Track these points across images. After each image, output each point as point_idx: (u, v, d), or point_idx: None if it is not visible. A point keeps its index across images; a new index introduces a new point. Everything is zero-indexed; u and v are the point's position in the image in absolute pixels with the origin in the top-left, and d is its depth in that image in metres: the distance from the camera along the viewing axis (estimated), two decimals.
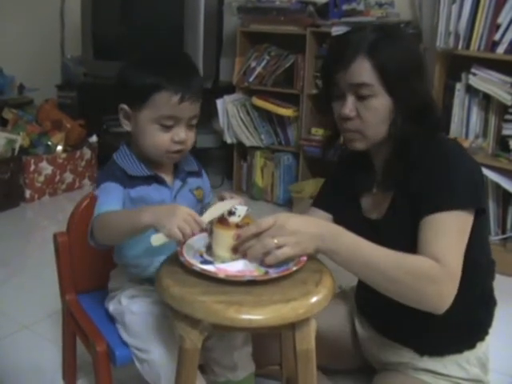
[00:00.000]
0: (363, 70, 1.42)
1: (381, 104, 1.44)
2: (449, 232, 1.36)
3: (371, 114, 1.45)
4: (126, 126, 1.52)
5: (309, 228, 1.32)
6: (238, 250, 1.32)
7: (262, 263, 1.30)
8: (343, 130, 1.52)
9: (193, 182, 1.60)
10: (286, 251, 1.29)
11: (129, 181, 1.48)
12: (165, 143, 1.47)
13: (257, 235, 1.30)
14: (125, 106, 1.50)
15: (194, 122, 1.50)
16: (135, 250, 1.52)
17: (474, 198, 1.41)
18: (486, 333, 1.62)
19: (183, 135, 1.47)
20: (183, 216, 1.28)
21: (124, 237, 1.42)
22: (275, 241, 1.28)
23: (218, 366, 1.60)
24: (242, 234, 1.31)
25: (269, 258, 1.29)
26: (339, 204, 1.67)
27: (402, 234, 1.45)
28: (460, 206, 1.38)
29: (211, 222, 1.36)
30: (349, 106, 1.46)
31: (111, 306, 1.62)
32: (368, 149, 1.54)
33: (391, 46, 1.43)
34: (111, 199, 1.44)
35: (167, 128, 1.46)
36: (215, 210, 1.37)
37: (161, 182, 1.52)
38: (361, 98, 1.44)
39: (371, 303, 1.36)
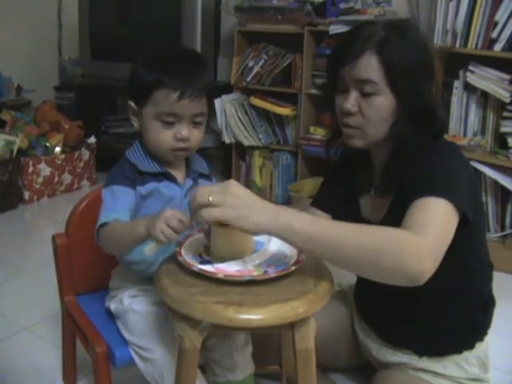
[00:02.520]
0: (369, 67, 1.40)
1: (384, 103, 1.42)
2: (433, 213, 1.29)
3: (373, 112, 1.43)
4: (135, 123, 1.53)
5: (254, 201, 1.22)
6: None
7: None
8: (343, 125, 1.50)
9: (203, 183, 1.60)
10: (216, 210, 1.19)
11: (139, 177, 1.49)
12: (168, 140, 1.47)
13: None
14: (132, 103, 1.51)
15: (199, 119, 1.49)
16: (141, 247, 1.51)
17: (462, 198, 1.34)
18: (485, 333, 1.62)
19: (185, 132, 1.46)
20: (165, 219, 1.26)
21: (128, 248, 1.44)
22: (210, 198, 1.20)
23: (218, 367, 1.60)
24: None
25: (201, 211, 1.20)
26: (338, 204, 1.66)
27: None
28: (446, 195, 1.31)
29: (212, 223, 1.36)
30: (351, 101, 1.45)
31: (112, 305, 1.62)
32: (367, 148, 1.53)
33: (401, 45, 1.40)
34: (118, 206, 1.44)
35: (169, 125, 1.46)
36: None
37: (171, 179, 1.53)
38: (364, 94, 1.43)
39: (370, 304, 1.35)
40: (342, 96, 1.47)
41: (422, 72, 1.42)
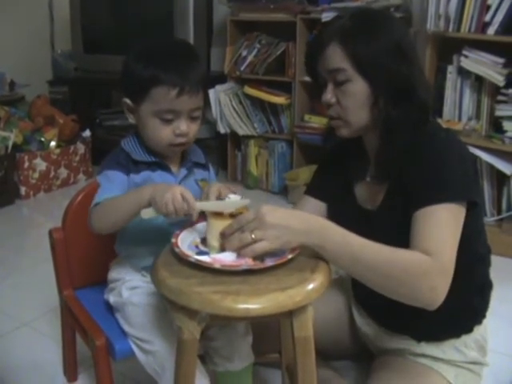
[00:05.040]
0: (335, 56, 1.43)
1: (357, 89, 1.44)
2: (441, 225, 1.34)
3: (349, 99, 1.45)
4: (131, 119, 1.53)
5: (291, 222, 1.28)
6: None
7: (238, 256, 1.29)
8: (329, 118, 1.54)
9: (199, 173, 1.61)
10: (263, 245, 1.26)
11: (134, 166, 1.50)
12: (167, 136, 1.47)
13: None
14: (127, 100, 1.50)
15: (196, 113, 1.49)
16: (136, 238, 1.53)
17: (465, 190, 1.39)
18: (483, 316, 1.63)
19: (184, 128, 1.47)
20: (174, 194, 1.30)
21: (128, 217, 1.41)
22: (252, 235, 1.26)
23: (217, 356, 1.60)
24: (226, 231, 1.31)
25: (245, 250, 1.27)
26: (333, 193, 1.66)
27: (397, 226, 1.43)
28: (451, 198, 1.36)
29: (207, 213, 1.36)
30: (328, 93, 1.48)
31: (111, 298, 1.62)
32: (355, 136, 1.54)
33: (364, 32, 1.42)
34: (113, 187, 1.45)
35: (167, 121, 1.46)
36: (214, 206, 1.37)
37: (165, 168, 1.53)
38: (338, 83, 1.45)
39: (367, 291, 1.35)
40: (324, 90, 1.50)
41: (390, 54, 1.42)
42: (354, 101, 1.45)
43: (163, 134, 1.47)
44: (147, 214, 1.34)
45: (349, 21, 1.45)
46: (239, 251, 1.28)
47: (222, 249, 1.32)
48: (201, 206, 1.35)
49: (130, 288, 1.57)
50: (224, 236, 1.31)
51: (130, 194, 1.43)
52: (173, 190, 1.31)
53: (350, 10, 1.55)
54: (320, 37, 1.49)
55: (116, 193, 1.43)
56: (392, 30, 1.46)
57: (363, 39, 1.41)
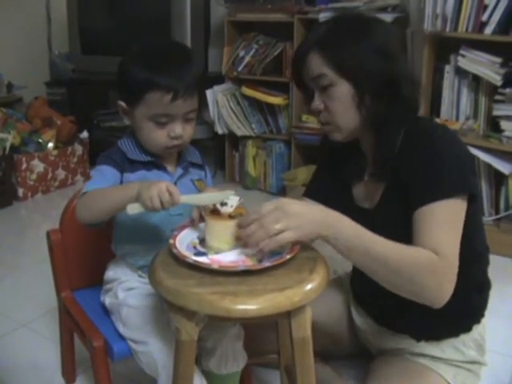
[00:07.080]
0: (315, 63, 1.45)
1: (341, 91, 1.44)
2: (444, 222, 1.35)
3: (335, 103, 1.46)
4: (126, 121, 1.54)
5: (311, 213, 1.30)
6: (241, 238, 1.30)
7: (259, 250, 1.28)
8: (320, 124, 1.55)
9: (195, 173, 1.61)
10: (287, 235, 1.26)
11: (129, 165, 1.50)
12: (161, 139, 1.48)
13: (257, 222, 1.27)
14: (122, 103, 1.51)
15: (191, 115, 1.50)
16: (133, 236, 1.54)
17: (465, 184, 1.40)
18: (482, 315, 1.63)
19: (179, 131, 1.47)
20: (159, 188, 1.30)
21: (113, 208, 1.40)
22: (277, 226, 1.25)
23: (204, 358, 1.59)
24: (242, 222, 1.29)
25: (269, 242, 1.25)
26: (331, 193, 1.66)
27: (395, 223, 1.44)
28: (452, 193, 1.36)
29: (206, 214, 1.37)
30: (316, 100, 1.49)
31: (107, 300, 1.62)
32: (350, 139, 1.54)
33: (341, 36, 1.44)
34: (103, 180, 1.45)
35: (162, 124, 1.46)
36: (198, 199, 1.38)
37: (161, 168, 1.54)
38: (323, 89, 1.46)
39: (366, 291, 1.36)
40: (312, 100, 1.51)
41: (373, 57, 1.42)
42: (340, 104, 1.46)
43: (158, 137, 1.48)
44: (133, 209, 1.33)
45: (325, 27, 1.48)
46: (261, 244, 1.26)
47: (221, 249, 1.32)
48: (185, 199, 1.35)
49: (126, 289, 1.57)
50: (241, 227, 1.29)
51: (117, 187, 1.44)
52: (158, 185, 1.31)
53: (330, 18, 1.56)
54: (300, 48, 1.51)
55: (105, 185, 1.44)
56: (370, 31, 1.46)
57: (340, 43, 1.43)
